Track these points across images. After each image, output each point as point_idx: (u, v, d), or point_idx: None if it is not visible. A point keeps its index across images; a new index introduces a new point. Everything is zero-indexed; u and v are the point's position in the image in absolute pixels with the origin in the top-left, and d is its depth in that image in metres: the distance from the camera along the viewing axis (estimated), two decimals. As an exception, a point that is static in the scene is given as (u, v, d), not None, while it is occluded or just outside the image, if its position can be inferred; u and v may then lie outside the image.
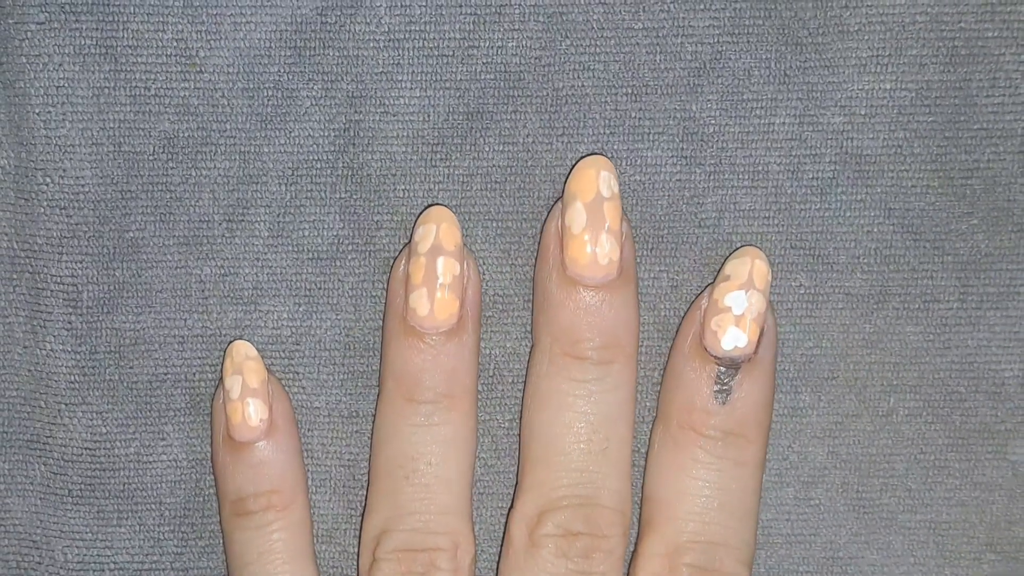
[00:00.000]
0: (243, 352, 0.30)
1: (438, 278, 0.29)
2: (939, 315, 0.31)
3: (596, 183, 0.29)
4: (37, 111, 0.30)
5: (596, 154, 0.30)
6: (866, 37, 0.30)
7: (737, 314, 0.28)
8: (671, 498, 0.29)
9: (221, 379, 0.31)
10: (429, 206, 0.30)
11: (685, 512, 0.29)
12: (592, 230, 0.28)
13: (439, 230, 0.29)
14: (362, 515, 0.31)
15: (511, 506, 0.30)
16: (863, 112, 0.30)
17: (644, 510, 0.30)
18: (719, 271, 0.30)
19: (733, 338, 0.28)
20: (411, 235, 0.30)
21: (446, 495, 0.30)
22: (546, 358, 0.29)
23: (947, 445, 0.31)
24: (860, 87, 0.30)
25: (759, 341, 0.29)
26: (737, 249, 0.30)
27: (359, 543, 0.31)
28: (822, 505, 0.32)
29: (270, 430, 0.30)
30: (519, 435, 0.31)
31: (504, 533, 0.31)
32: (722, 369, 0.29)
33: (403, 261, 0.30)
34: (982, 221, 0.30)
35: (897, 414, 0.31)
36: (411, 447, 0.29)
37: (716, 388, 0.29)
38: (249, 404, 0.30)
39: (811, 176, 0.30)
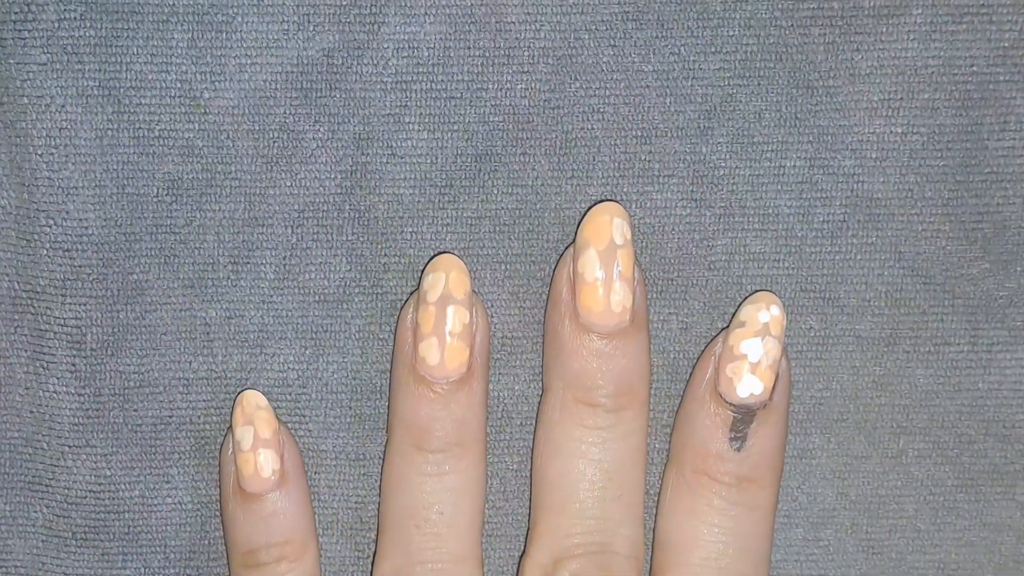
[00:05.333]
0: (254, 402, 0.30)
1: (448, 327, 0.29)
2: (949, 358, 0.31)
3: (609, 230, 0.28)
4: (39, 152, 0.30)
5: (609, 200, 0.30)
6: (877, 80, 0.30)
7: (753, 361, 0.28)
8: (685, 544, 0.29)
9: (230, 429, 0.30)
10: (438, 254, 0.30)
11: (701, 559, 0.29)
12: (605, 278, 0.28)
13: (449, 278, 0.29)
14: (371, 559, 0.31)
15: (524, 552, 0.30)
16: (874, 156, 0.30)
17: (656, 555, 0.30)
18: (733, 316, 0.29)
19: (749, 385, 0.28)
20: (420, 283, 0.30)
21: (457, 543, 0.30)
22: (558, 405, 0.29)
23: (956, 486, 0.31)
24: (871, 131, 0.30)
25: (774, 387, 0.29)
26: (752, 294, 0.30)
27: (369, 589, 0.31)
28: (831, 546, 0.32)
29: (281, 480, 0.30)
30: (530, 481, 0.31)
31: (515, 577, 0.31)
32: (738, 416, 0.28)
33: (411, 309, 0.30)
34: (993, 265, 0.30)
35: (907, 456, 0.31)
36: (422, 496, 0.29)
37: (732, 435, 0.29)
38: (261, 455, 0.30)
39: (822, 219, 0.30)
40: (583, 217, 0.29)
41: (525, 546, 0.30)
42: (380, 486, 0.31)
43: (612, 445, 0.29)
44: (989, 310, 0.31)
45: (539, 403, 0.30)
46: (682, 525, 0.29)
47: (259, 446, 0.30)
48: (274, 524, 0.30)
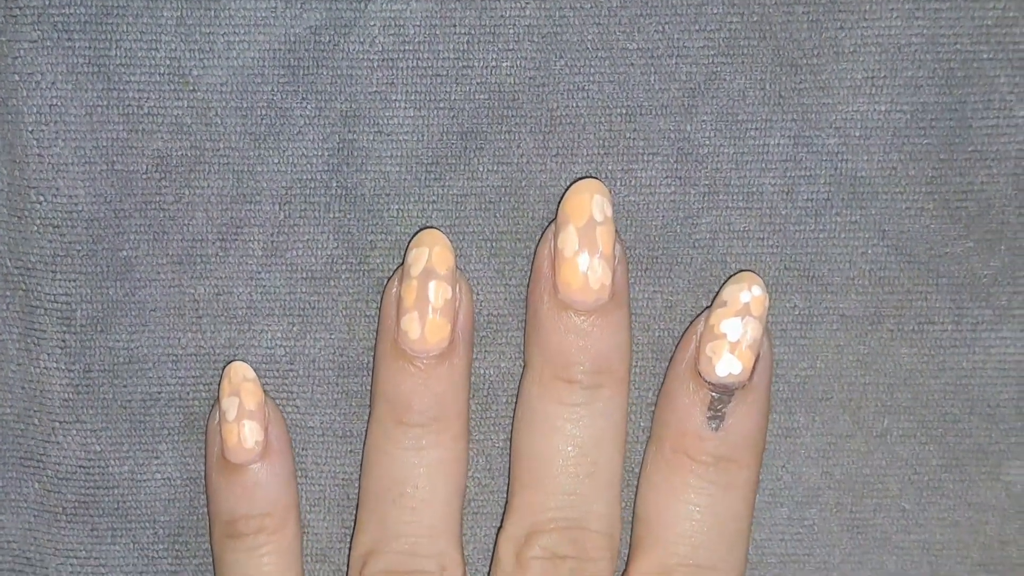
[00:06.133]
0: (241, 373, 0.30)
1: (430, 302, 0.29)
2: (933, 337, 0.31)
3: (589, 207, 0.28)
4: (30, 129, 0.30)
5: (590, 177, 0.30)
6: (861, 59, 0.30)
7: (732, 341, 0.28)
8: (662, 521, 0.29)
9: (217, 399, 0.31)
10: (422, 229, 0.30)
11: (676, 535, 0.29)
12: (584, 254, 0.28)
13: (432, 253, 0.29)
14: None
15: (500, 527, 0.30)
16: (858, 134, 0.30)
17: (635, 531, 0.30)
18: (715, 296, 0.29)
19: (727, 365, 0.28)
20: (404, 258, 0.30)
21: (433, 518, 0.30)
22: (536, 380, 0.29)
23: (941, 466, 0.31)
24: (855, 109, 0.30)
25: (754, 368, 0.29)
26: (734, 274, 0.30)
27: (348, 563, 0.31)
28: (816, 525, 0.32)
29: (265, 452, 0.30)
30: (510, 456, 0.31)
31: (493, 553, 0.31)
32: (715, 395, 0.28)
33: (395, 284, 0.30)
34: (977, 244, 0.30)
35: (891, 435, 0.31)
36: (399, 470, 0.29)
37: (709, 414, 0.29)
38: (245, 426, 0.30)
39: (805, 197, 0.30)
40: (564, 193, 0.29)
41: (501, 521, 0.31)
42: (361, 459, 0.31)
43: (588, 422, 0.29)
44: (973, 289, 0.30)
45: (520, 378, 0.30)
46: (659, 502, 0.29)
47: (243, 417, 0.30)
48: (255, 495, 0.30)
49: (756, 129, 0.30)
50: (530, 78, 0.30)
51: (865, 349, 0.31)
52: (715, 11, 0.30)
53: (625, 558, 0.30)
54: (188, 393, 0.31)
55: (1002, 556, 0.31)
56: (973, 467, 0.31)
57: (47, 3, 0.30)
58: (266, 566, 0.30)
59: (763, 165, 0.30)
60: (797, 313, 0.31)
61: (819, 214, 0.30)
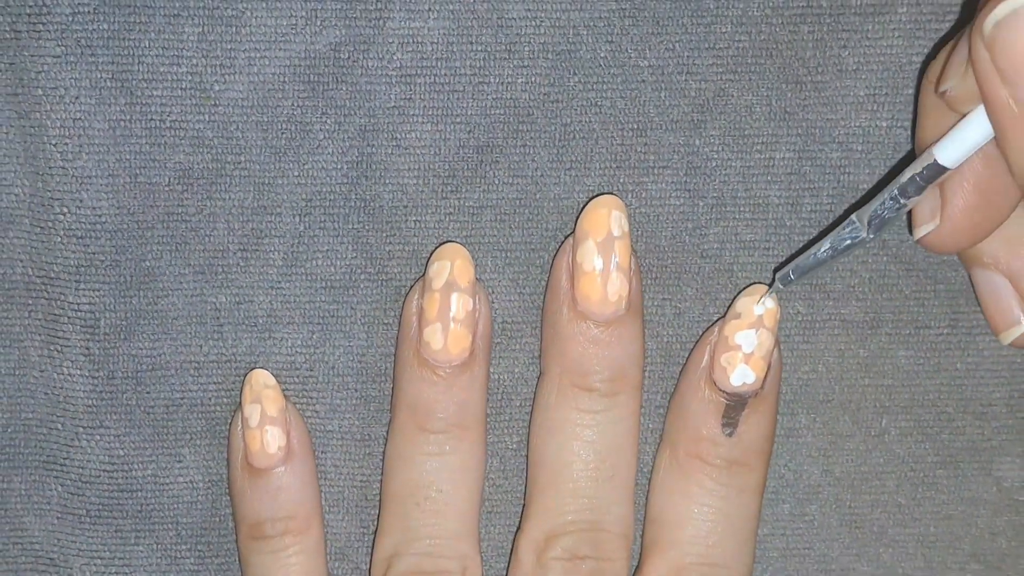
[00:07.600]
0: (261, 380, 0.31)
1: (452, 313, 0.30)
2: (930, 340, 0.32)
3: (608, 222, 0.29)
4: (54, 143, 0.31)
5: (608, 193, 0.31)
6: (864, 76, 0.31)
7: (747, 352, 0.29)
8: (676, 522, 0.30)
9: (240, 406, 0.31)
10: (443, 243, 0.31)
11: (690, 536, 0.30)
12: (603, 268, 0.29)
13: (453, 266, 0.30)
14: (374, 534, 0.32)
15: (519, 528, 0.31)
16: (860, 148, 0.31)
17: (648, 532, 0.31)
18: (729, 307, 0.31)
19: (742, 375, 0.29)
20: (425, 270, 0.31)
21: (455, 521, 0.31)
22: (555, 389, 0.30)
23: (936, 463, 0.33)
24: (857, 124, 0.31)
25: (766, 377, 0.30)
26: (748, 286, 0.31)
27: (370, 563, 0.32)
28: (816, 520, 0.33)
29: (287, 456, 0.31)
30: (526, 460, 0.32)
31: (511, 553, 0.32)
32: (730, 403, 0.30)
33: (416, 295, 0.31)
34: (972, 253, 0.31)
35: (889, 434, 0.32)
36: (422, 475, 0.30)
37: (724, 421, 0.30)
38: (267, 432, 0.31)
39: (810, 209, 0.31)
40: (582, 209, 0.30)
41: (520, 523, 0.32)
42: (383, 465, 0.32)
43: (606, 428, 0.30)
44: (968, 295, 0.32)
45: (536, 386, 0.31)
46: (674, 504, 0.30)
47: (266, 423, 0.31)
48: (280, 498, 0.31)
49: (763, 144, 0.31)
50: (544, 94, 0.31)
51: (865, 352, 0.32)
52: (724, 30, 0.30)
53: (636, 557, 0.32)
54: (210, 399, 0.32)
55: (992, 547, 0.33)
56: (966, 463, 0.33)
57: (71, 19, 0.30)
58: (292, 567, 0.31)
59: (769, 178, 0.31)
60: (800, 319, 0.32)
61: (823, 225, 0.31)
